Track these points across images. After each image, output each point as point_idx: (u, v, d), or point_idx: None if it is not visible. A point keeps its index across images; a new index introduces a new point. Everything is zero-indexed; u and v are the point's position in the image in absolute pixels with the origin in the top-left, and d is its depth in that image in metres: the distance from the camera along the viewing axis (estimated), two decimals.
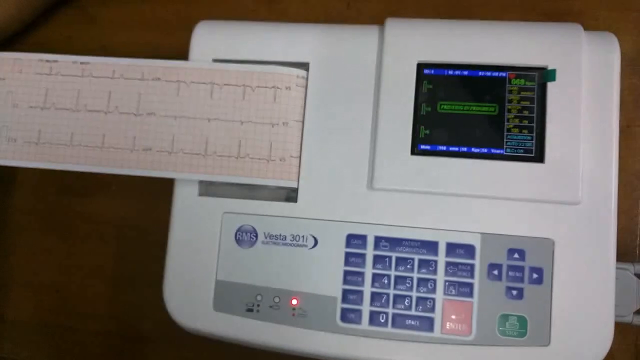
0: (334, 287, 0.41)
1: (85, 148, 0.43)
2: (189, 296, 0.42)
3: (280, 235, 0.42)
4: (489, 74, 0.41)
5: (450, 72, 0.42)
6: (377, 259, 0.41)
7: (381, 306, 0.40)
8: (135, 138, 0.42)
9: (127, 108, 0.43)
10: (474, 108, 0.41)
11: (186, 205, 0.44)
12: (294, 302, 0.41)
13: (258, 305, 0.41)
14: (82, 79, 0.44)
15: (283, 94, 0.42)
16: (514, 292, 0.39)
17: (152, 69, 0.43)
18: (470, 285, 0.40)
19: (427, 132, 0.41)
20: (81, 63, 0.44)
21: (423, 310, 0.40)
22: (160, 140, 0.42)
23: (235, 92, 0.42)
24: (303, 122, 0.43)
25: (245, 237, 0.42)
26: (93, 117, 0.43)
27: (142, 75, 0.43)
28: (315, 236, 0.42)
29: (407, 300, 0.40)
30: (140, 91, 0.43)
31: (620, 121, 0.41)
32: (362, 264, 0.41)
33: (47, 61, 0.44)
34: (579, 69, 0.40)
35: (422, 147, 0.41)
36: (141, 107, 0.43)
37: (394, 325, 0.40)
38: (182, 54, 0.45)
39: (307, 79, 0.43)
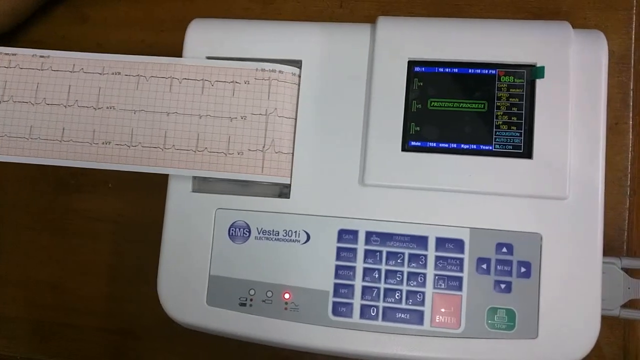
0: (325, 281, 0.41)
1: (44, 141, 0.43)
2: (183, 291, 0.43)
3: (273, 230, 0.43)
4: (478, 71, 0.42)
5: (441, 70, 0.43)
6: (368, 254, 0.41)
7: (372, 300, 0.41)
8: (95, 132, 0.43)
9: (87, 102, 0.43)
10: (464, 105, 0.42)
11: (180, 202, 0.44)
12: (287, 296, 0.42)
13: (251, 300, 0.42)
14: (42, 72, 0.44)
15: (242, 88, 0.43)
16: (503, 286, 0.40)
17: (112, 63, 0.44)
18: (460, 279, 0.40)
19: (418, 128, 0.42)
20: (40, 56, 0.44)
21: (413, 304, 0.40)
22: (120, 133, 0.43)
23: (195, 86, 0.43)
24: (295, 118, 0.44)
25: (239, 232, 0.43)
26: (52, 111, 0.43)
27: (102, 69, 0.43)
28: (308, 231, 0.42)
29: (397, 294, 0.41)
30: (100, 85, 0.43)
31: (609, 118, 0.42)
32: (354, 258, 0.41)
33: (6, 54, 0.44)
34: (567, 66, 0.41)
35: (413, 143, 0.42)
36: (101, 101, 0.43)
37: (384, 318, 0.41)
38: (176, 51, 0.45)
39: (293, 73, 0.44)
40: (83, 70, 0.44)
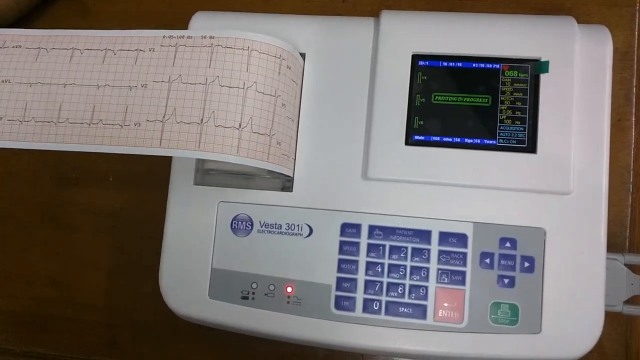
0: (328, 275, 0.41)
1: None
2: (185, 284, 0.43)
3: (275, 224, 0.43)
4: (482, 65, 0.42)
5: (445, 64, 0.42)
6: (371, 248, 0.41)
7: (375, 294, 0.41)
8: None
9: None
10: (468, 99, 0.42)
11: (182, 195, 0.44)
12: (289, 289, 0.41)
13: (253, 293, 0.42)
14: None
15: (146, 55, 0.40)
16: (506, 281, 0.40)
17: (14, 37, 0.42)
18: (463, 274, 0.40)
19: (421, 122, 0.42)
20: None
21: (416, 298, 0.40)
22: (13, 108, 0.40)
23: (96, 56, 0.41)
24: (299, 114, 0.43)
25: (241, 225, 0.43)
26: None
27: (3, 43, 0.41)
28: (310, 225, 0.42)
29: (400, 288, 0.41)
30: None
31: (612, 115, 0.42)
32: (356, 252, 0.41)
33: None
34: (572, 61, 0.41)
35: (416, 137, 0.42)
36: None
37: (387, 312, 0.40)
38: None
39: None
40: None
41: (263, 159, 0.39)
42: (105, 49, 0.40)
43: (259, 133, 0.39)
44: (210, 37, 0.40)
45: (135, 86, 0.39)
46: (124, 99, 0.39)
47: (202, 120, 0.38)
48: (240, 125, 0.38)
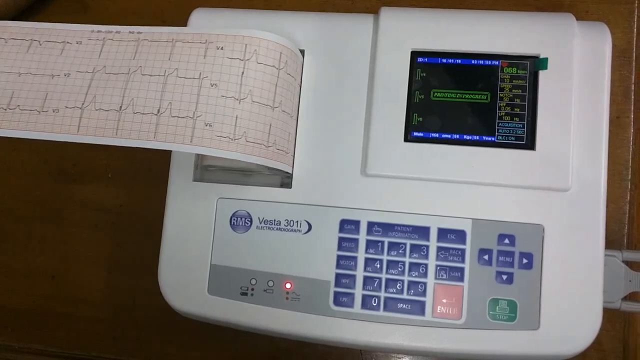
0: (327, 271, 0.41)
1: None
2: (184, 280, 0.43)
3: (274, 220, 0.43)
4: (481, 62, 0.42)
5: (444, 61, 0.43)
6: (369, 244, 0.41)
7: (373, 290, 0.41)
8: None
9: None
10: (467, 96, 0.42)
11: (181, 191, 0.44)
12: (288, 286, 0.42)
13: (252, 289, 0.42)
14: None
15: (72, 47, 0.41)
16: (504, 277, 0.40)
17: None
18: (461, 270, 0.40)
19: (420, 119, 0.42)
20: None
21: (414, 294, 0.40)
22: None
23: (21, 45, 0.41)
24: (298, 111, 0.43)
25: (240, 222, 0.43)
26: None
27: None
28: (309, 221, 0.42)
29: (399, 284, 0.41)
30: None
31: (610, 112, 0.42)
32: (355, 248, 0.41)
33: None
34: (571, 58, 0.41)
35: (415, 134, 0.42)
36: None
37: (386, 308, 0.41)
38: None
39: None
40: None
41: (185, 142, 0.38)
42: (31, 40, 0.41)
43: (178, 117, 0.39)
44: (138, 32, 0.41)
45: (58, 75, 0.40)
46: (44, 87, 0.40)
47: (120, 107, 0.39)
48: (158, 110, 0.39)
